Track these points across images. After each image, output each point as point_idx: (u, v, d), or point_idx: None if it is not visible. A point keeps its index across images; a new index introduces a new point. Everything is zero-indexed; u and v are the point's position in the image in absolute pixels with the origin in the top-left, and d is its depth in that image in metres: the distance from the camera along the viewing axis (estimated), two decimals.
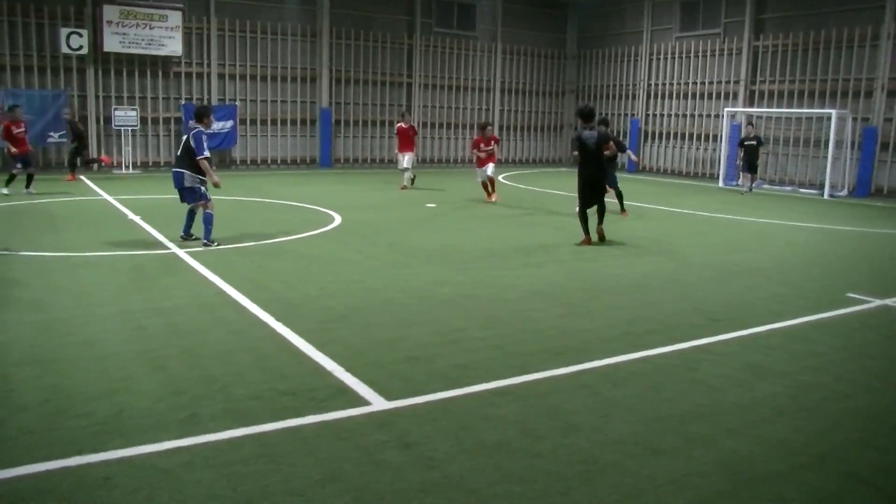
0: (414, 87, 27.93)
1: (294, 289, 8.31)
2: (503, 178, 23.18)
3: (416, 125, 20.54)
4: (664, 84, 27.73)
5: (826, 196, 20.92)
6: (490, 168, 16.72)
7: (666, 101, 27.76)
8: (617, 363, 6.05)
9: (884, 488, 4.16)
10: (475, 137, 18.16)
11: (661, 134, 28.06)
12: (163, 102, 23.66)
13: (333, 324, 6.94)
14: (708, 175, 26.06)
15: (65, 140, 21.73)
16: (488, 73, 29.53)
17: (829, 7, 22.68)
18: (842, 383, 5.76)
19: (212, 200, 10.72)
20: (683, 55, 26.94)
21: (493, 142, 17.08)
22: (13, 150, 16.04)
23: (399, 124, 19.77)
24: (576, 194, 12.10)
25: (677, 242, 12.21)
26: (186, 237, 10.86)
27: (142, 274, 8.86)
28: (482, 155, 16.81)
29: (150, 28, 22.63)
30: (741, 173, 22.08)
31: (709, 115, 26.22)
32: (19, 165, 16.16)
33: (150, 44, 22.72)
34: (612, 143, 12.84)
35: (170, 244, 10.62)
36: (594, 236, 11.61)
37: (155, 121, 23.60)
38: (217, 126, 23.74)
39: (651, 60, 28.13)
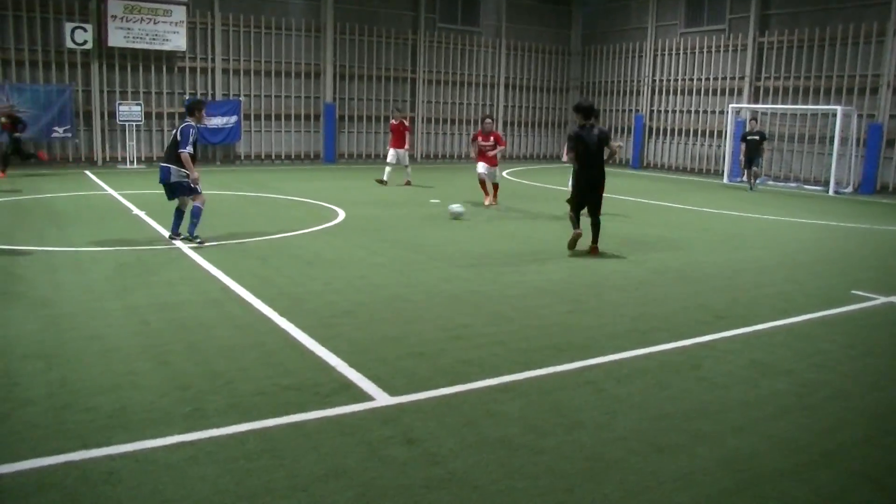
0: (418, 82, 27.91)
1: (299, 284, 8.30)
2: (507, 173, 23.14)
3: (407, 121, 20.37)
4: (669, 80, 27.67)
5: (831, 193, 20.88)
6: (485, 169, 15.31)
7: (670, 97, 27.70)
8: (622, 360, 6.04)
9: (890, 487, 4.14)
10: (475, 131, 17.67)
11: (665, 130, 28.00)
12: (167, 97, 23.67)
13: (338, 319, 6.94)
14: (713, 171, 26.03)
15: (69, 135, 21.78)
16: (492, 68, 29.49)
17: (835, 3, 22.60)
18: (847, 381, 5.75)
19: (203, 195, 10.53)
20: (688, 51, 26.88)
21: (492, 138, 15.48)
22: None
23: (391, 121, 19.88)
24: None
25: (682, 239, 12.19)
26: (175, 236, 10.56)
27: (146, 269, 8.86)
28: (481, 149, 15.40)
29: (155, 23, 22.63)
30: (744, 169, 22.04)
31: (713, 112, 26.16)
32: None
33: (154, 39, 22.73)
34: (613, 142, 11.04)
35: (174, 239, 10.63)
36: (582, 245, 10.56)
37: (159, 115, 23.61)
38: (221, 121, 23.78)
39: (656, 56, 28.06)
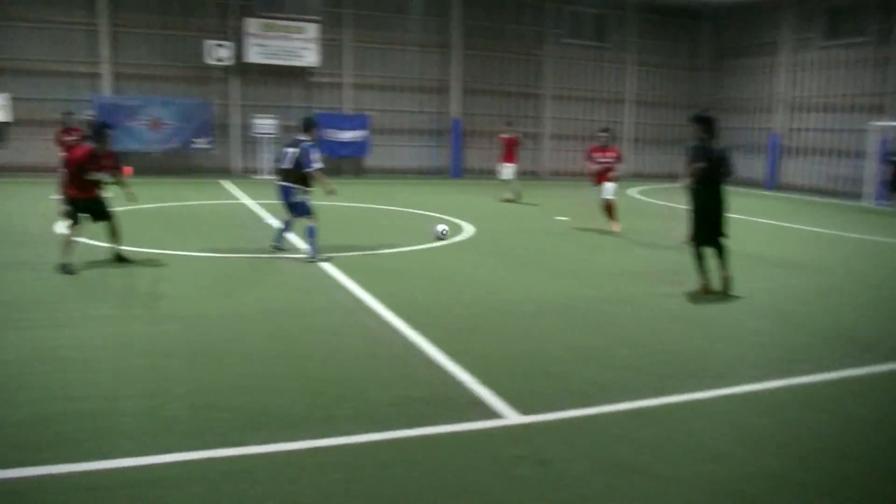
0: (545, 98, 27.80)
1: (427, 297, 8.39)
2: (637, 192, 22.68)
3: (518, 136, 19.96)
4: (805, 97, 26.33)
5: None
6: (607, 187, 13.89)
7: (807, 114, 26.35)
8: (761, 390, 5.74)
9: None
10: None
11: (801, 149, 26.64)
12: (298, 112, 24.53)
13: (467, 334, 6.96)
14: (851, 194, 24.54)
15: (209, 147, 22.95)
16: (620, 84, 29.02)
17: None
18: None
19: (315, 214, 10.19)
20: (828, 66, 25.48)
21: (609, 153, 14.05)
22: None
23: (503, 136, 19.56)
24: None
25: (826, 264, 11.49)
26: (278, 247, 10.57)
27: (282, 276, 9.20)
28: (595, 167, 13.94)
29: (289, 40, 23.57)
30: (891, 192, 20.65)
31: (852, 130, 24.65)
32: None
33: (288, 55, 23.67)
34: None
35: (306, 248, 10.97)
36: (715, 283, 8.89)
37: (289, 129, 24.47)
38: (350, 135, 24.44)
39: (794, 71, 26.77)
